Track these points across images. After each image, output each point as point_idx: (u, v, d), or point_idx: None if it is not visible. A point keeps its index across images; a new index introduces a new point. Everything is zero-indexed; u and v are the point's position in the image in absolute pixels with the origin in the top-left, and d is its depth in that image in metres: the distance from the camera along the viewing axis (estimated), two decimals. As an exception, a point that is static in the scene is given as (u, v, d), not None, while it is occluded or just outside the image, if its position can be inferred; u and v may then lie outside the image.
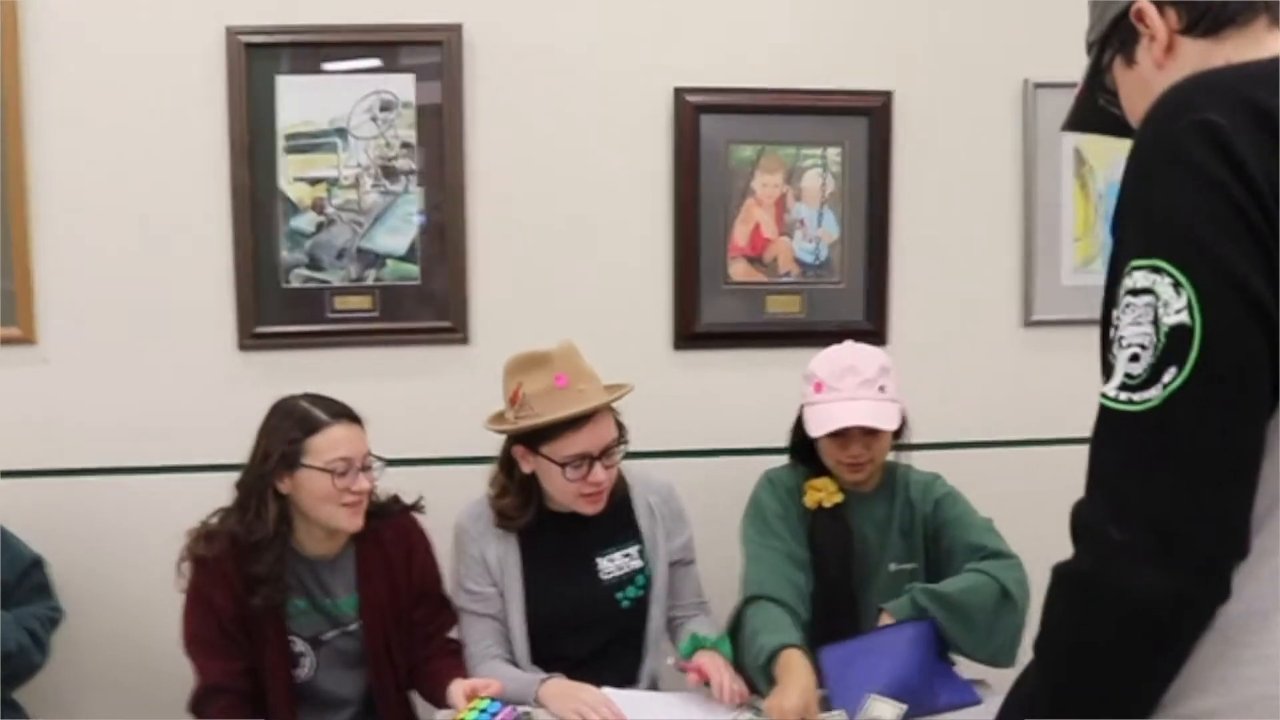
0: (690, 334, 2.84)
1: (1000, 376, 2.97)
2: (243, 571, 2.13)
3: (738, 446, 2.87)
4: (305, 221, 2.68)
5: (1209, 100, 1.03)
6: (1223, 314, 0.98)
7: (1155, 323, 1.00)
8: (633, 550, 2.38)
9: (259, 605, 2.12)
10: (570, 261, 2.79)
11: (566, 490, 2.24)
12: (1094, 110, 1.34)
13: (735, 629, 2.22)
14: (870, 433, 2.26)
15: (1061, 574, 1.08)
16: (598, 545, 2.36)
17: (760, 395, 2.87)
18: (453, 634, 2.31)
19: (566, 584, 2.33)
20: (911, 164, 2.88)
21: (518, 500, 2.30)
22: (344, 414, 2.20)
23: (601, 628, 2.35)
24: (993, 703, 2.10)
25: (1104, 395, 1.05)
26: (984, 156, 2.92)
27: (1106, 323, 1.09)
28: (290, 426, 2.15)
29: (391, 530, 2.28)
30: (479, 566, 2.32)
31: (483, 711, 1.99)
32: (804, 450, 2.39)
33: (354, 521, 2.16)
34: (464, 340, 2.76)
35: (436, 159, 2.69)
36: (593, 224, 2.79)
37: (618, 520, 2.37)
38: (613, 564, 2.36)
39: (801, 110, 2.82)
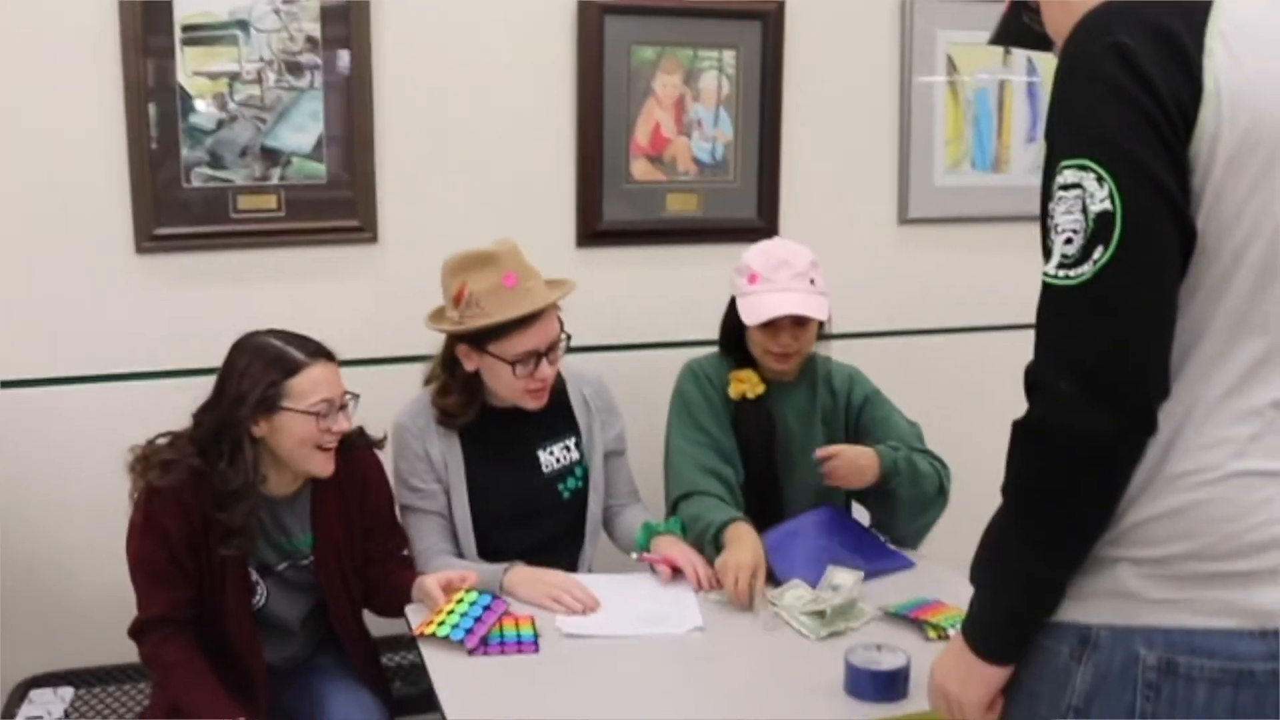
0: (593, 232, 2.89)
1: (877, 272, 3.15)
2: (203, 510, 2.06)
3: (639, 341, 2.96)
4: (205, 118, 2.57)
5: (1121, 24, 1.22)
6: (1137, 202, 1.18)
7: (1084, 211, 1.19)
8: (570, 443, 2.45)
9: (231, 554, 2.07)
10: (476, 160, 2.79)
11: (514, 387, 2.29)
12: (1018, 26, 1.51)
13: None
14: (799, 323, 2.39)
15: (1020, 427, 1.26)
16: (537, 439, 2.43)
17: (660, 291, 2.97)
18: (405, 551, 2.32)
19: (509, 478, 2.39)
20: (801, 68, 2.99)
21: (461, 398, 2.33)
22: (321, 352, 2.13)
23: (544, 520, 2.42)
24: (922, 565, 2.33)
25: (1045, 274, 1.24)
26: (866, 63, 3.07)
27: (1045, 215, 1.28)
28: (265, 368, 2.07)
29: (348, 467, 2.21)
30: (423, 463, 2.34)
31: (473, 604, 2.04)
32: (732, 341, 2.50)
33: (327, 466, 2.13)
34: (372, 239, 2.73)
35: (344, 54, 2.63)
36: (498, 123, 2.79)
37: (555, 414, 2.44)
38: (552, 456, 2.43)
39: (699, 13, 2.88)
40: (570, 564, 2.41)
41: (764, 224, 3.02)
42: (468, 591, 2.08)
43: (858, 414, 2.52)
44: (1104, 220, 1.18)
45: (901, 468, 2.31)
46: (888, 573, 2.26)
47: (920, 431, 2.52)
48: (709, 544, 2.25)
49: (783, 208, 3.04)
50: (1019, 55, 3.15)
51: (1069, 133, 1.23)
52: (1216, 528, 1.24)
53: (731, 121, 2.97)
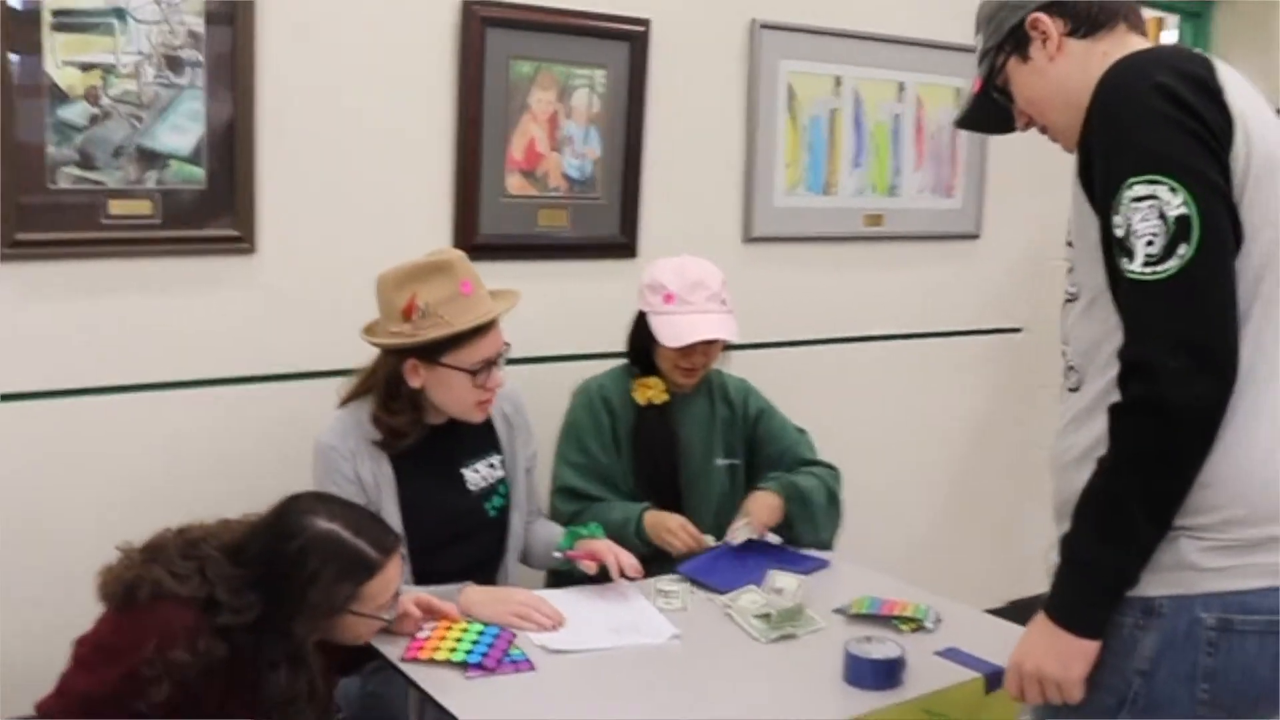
0: (470, 245, 2.84)
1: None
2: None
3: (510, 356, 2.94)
4: (76, 113, 2.34)
5: (1156, 70, 1.46)
6: (1208, 205, 1.39)
7: (1161, 217, 1.40)
8: (495, 460, 2.42)
9: None
10: (356, 170, 2.69)
11: (467, 399, 2.24)
12: (986, 104, 1.74)
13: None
14: (710, 342, 2.48)
15: (1127, 405, 1.43)
16: (463, 457, 2.38)
17: (533, 306, 2.95)
18: None
19: (440, 498, 2.33)
20: (663, 90, 3.08)
21: (411, 416, 2.25)
22: (394, 544, 1.95)
23: (473, 539, 2.38)
24: (835, 564, 2.47)
25: (1133, 272, 1.42)
26: (718, 88, 3.20)
27: (1107, 232, 1.46)
28: (340, 574, 1.85)
29: None
30: (354, 486, 2.24)
31: (483, 632, 1.98)
32: (639, 354, 2.56)
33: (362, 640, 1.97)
34: (250, 250, 2.57)
35: (227, 56, 2.47)
36: (379, 133, 2.71)
37: (478, 431, 2.40)
38: (478, 474, 2.39)
39: (574, 30, 2.91)
40: (493, 583, 2.37)
41: (626, 240, 3.09)
42: (470, 622, 2.02)
43: (753, 425, 2.65)
44: (1183, 223, 1.38)
45: (793, 494, 2.47)
46: (810, 572, 2.39)
47: (810, 439, 2.68)
48: (633, 537, 2.32)
49: (642, 226, 3.12)
50: (849, 84, 3.39)
51: (1134, 156, 1.43)
52: (1256, 493, 1.44)
53: (600, 139, 3.01)
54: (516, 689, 1.89)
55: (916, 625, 2.14)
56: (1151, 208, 1.39)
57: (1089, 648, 1.47)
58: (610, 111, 3.01)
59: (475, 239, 2.84)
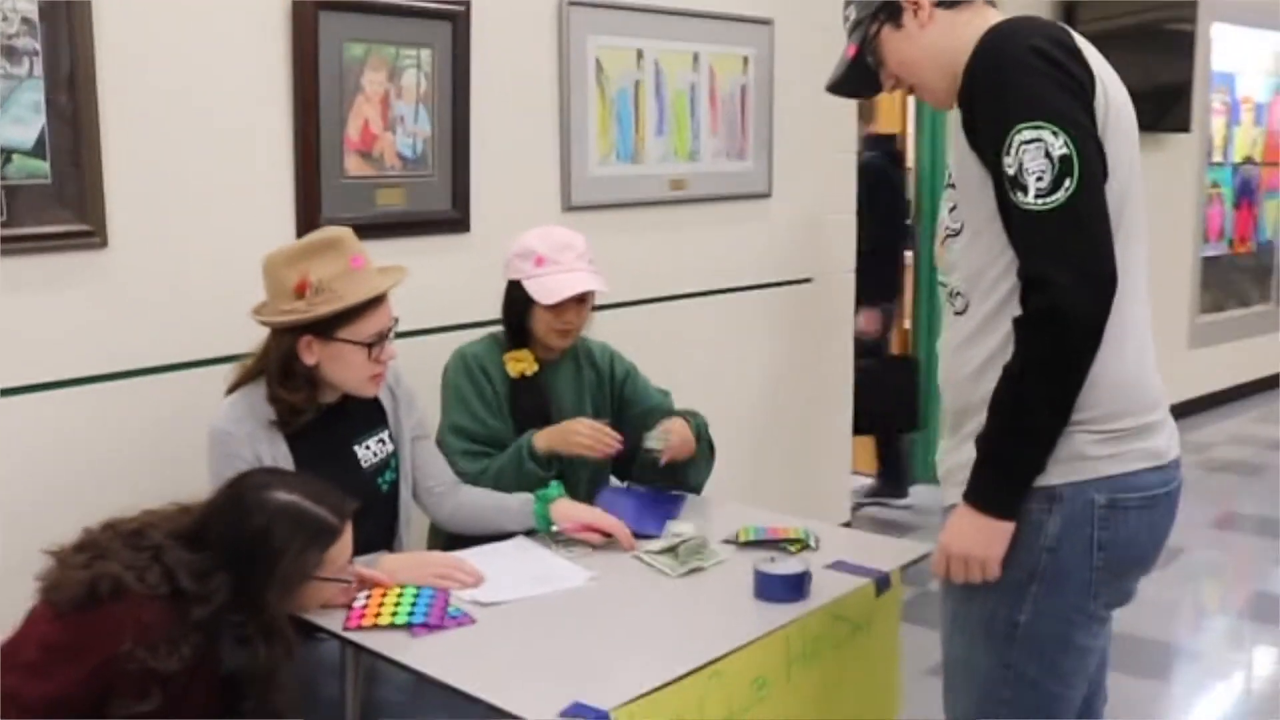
0: (314, 227, 2.85)
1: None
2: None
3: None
4: (-90, 109, 2.23)
5: (1029, 34, 1.73)
6: (1084, 146, 1.64)
7: (1047, 156, 1.64)
8: (384, 435, 2.48)
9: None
10: (200, 157, 2.65)
11: (360, 373, 2.30)
12: (858, 69, 1.97)
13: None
14: (581, 301, 2.63)
15: (1033, 315, 1.66)
16: (353, 434, 2.43)
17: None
18: None
19: (334, 477, 2.32)
20: (485, 68, 3.17)
21: (308, 393, 2.29)
22: (349, 509, 2.02)
23: (368, 515, 2.40)
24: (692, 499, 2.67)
25: (1027, 204, 1.66)
26: (534, 64, 3.32)
27: (997, 171, 1.69)
28: (307, 542, 1.91)
29: None
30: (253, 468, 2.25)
31: (418, 595, 2.05)
32: (514, 323, 2.67)
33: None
34: (102, 245, 2.51)
35: (65, 41, 2.39)
36: (220, 118, 2.68)
37: (366, 408, 2.45)
38: (369, 451, 2.44)
39: (401, 11, 2.96)
40: (391, 555, 2.44)
41: (458, 215, 3.17)
42: (404, 587, 2.09)
43: (621, 386, 2.81)
44: (1066, 161, 1.63)
45: (701, 435, 2.66)
46: (683, 507, 2.61)
47: (671, 398, 2.86)
48: (527, 462, 2.49)
49: (472, 200, 3.20)
50: (650, 57, 3.57)
51: (1020, 105, 1.66)
52: (1136, 389, 1.75)
53: (430, 118, 3.08)
54: (465, 642, 1.98)
55: (802, 545, 2.36)
56: (1038, 148, 1.63)
57: (1006, 529, 1.72)
58: (437, 90, 3.08)
59: (318, 221, 2.86)
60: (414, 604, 2.04)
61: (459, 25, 3.09)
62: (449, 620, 2.03)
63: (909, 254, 5.35)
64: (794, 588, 2.12)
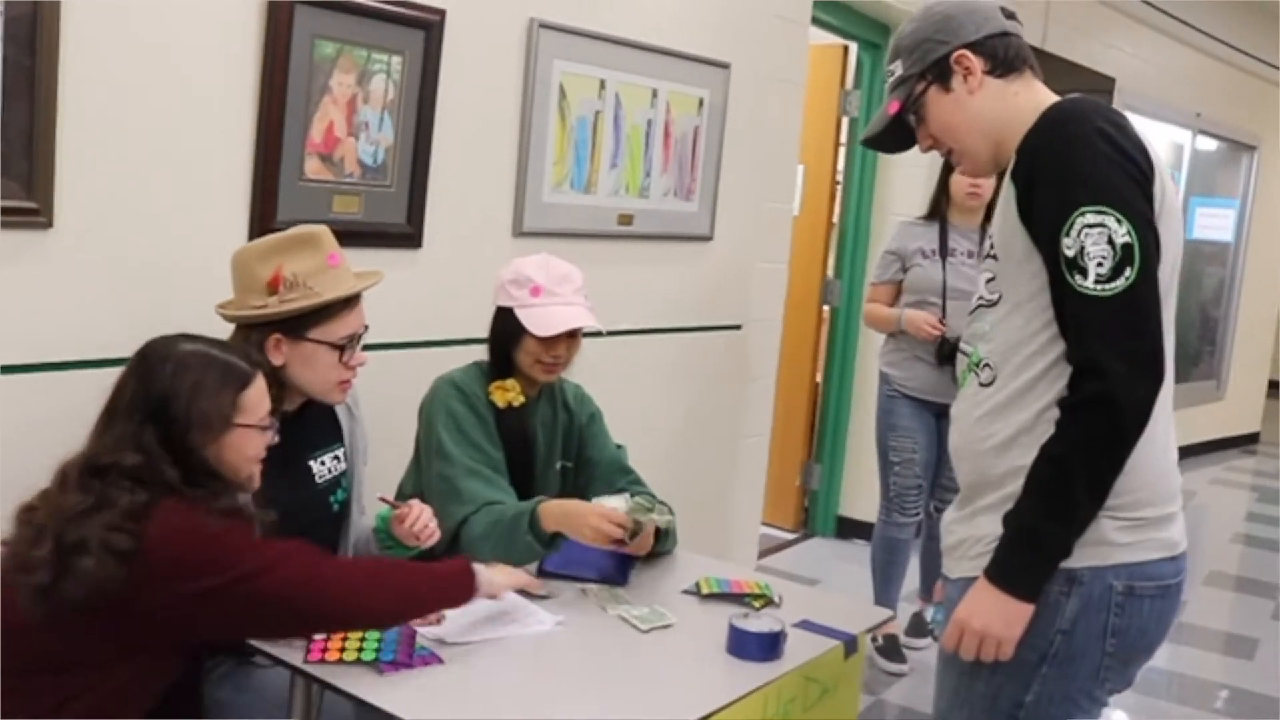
0: (267, 228, 2.71)
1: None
2: None
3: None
4: None
5: (1094, 116, 1.74)
6: (1145, 236, 1.67)
7: (1110, 242, 1.66)
8: (339, 452, 2.37)
9: None
10: (157, 145, 2.50)
11: (329, 377, 2.20)
12: (899, 127, 1.95)
13: (463, 534, 2.38)
14: (572, 336, 2.55)
15: (1082, 401, 1.67)
16: (308, 448, 2.32)
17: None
18: None
19: (287, 490, 2.24)
20: (452, 81, 3.08)
21: (275, 393, 2.15)
22: (259, 364, 2.00)
23: (317, 533, 2.28)
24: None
25: (1086, 288, 1.67)
26: (500, 84, 3.24)
27: (1053, 250, 1.70)
28: (220, 383, 1.87)
29: None
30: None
31: (383, 633, 1.94)
32: (501, 351, 2.58)
33: (257, 481, 1.97)
34: (47, 224, 2.33)
35: (27, 17, 2.23)
36: (182, 107, 2.53)
37: (324, 421, 2.34)
38: (324, 467, 2.34)
39: (376, 14, 2.86)
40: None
41: (412, 230, 3.06)
42: None
43: (583, 429, 2.73)
44: (1128, 249, 1.65)
45: (670, 530, 2.57)
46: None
47: (626, 454, 2.79)
48: (530, 531, 2.32)
49: (427, 216, 3.10)
50: (611, 88, 3.53)
51: (1084, 188, 1.68)
52: (1156, 479, 1.76)
53: (394, 127, 2.97)
54: (436, 682, 1.89)
55: (766, 600, 2.33)
56: (1101, 234, 1.65)
57: (1028, 610, 1.71)
58: (405, 99, 2.98)
59: (273, 222, 2.72)
60: (380, 640, 1.93)
61: (432, 34, 2.99)
62: (416, 659, 1.93)
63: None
64: (770, 647, 2.08)
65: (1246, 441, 9.07)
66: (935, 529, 4.15)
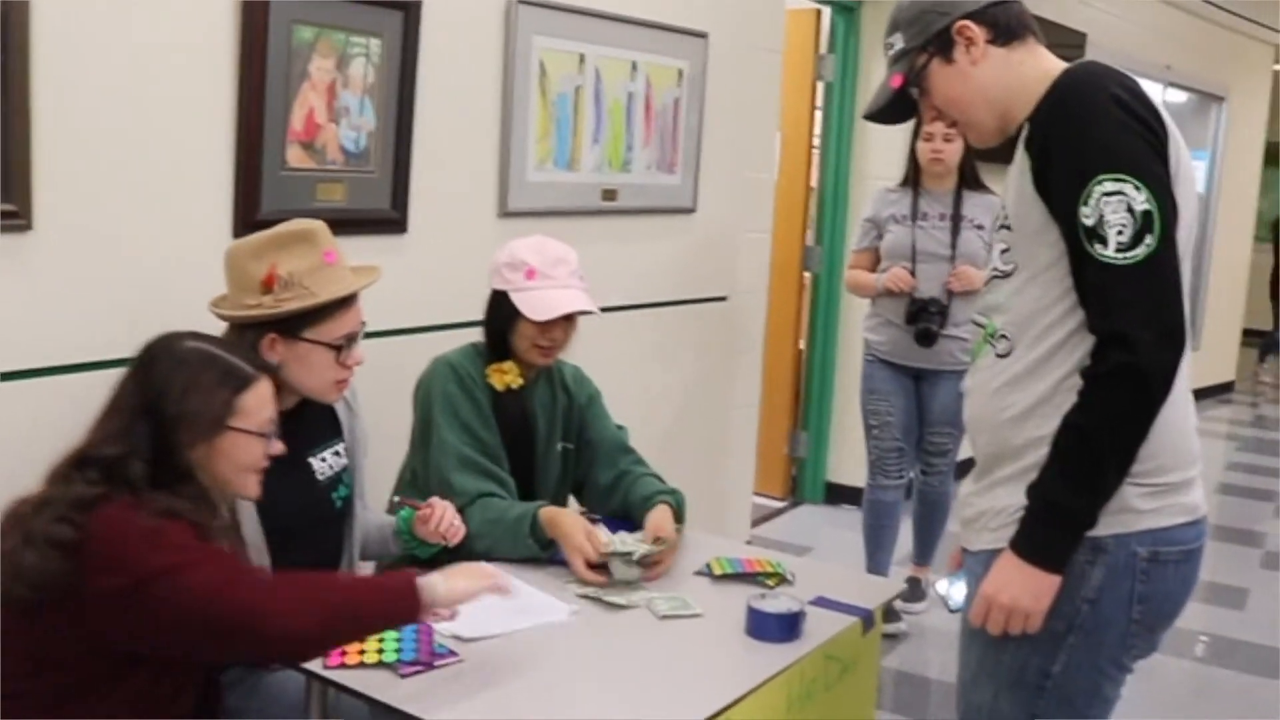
0: (251, 221, 2.66)
1: (482, 262, 3.28)
2: None
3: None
4: None
5: (1108, 83, 1.71)
6: (1164, 202, 1.64)
7: (1129, 210, 1.63)
8: (339, 448, 2.33)
9: None
10: (135, 138, 2.43)
11: (326, 377, 2.15)
12: (902, 99, 1.91)
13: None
14: (568, 319, 2.51)
15: (1109, 371, 1.64)
16: (309, 445, 2.28)
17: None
18: None
19: (290, 489, 2.20)
20: (431, 63, 3.01)
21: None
22: (265, 368, 1.92)
23: (320, 532, 2.29)
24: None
25: (1106, 256, 1.64)
26: (479, 63, 3.18)
27: (1071, 220, 1.67)
28: (216, 382, 1.81)
29: None
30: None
31: (401, 633, 1.91)
32: (497, 334, 2.54)
33: (258, 489, 1.91)
34: (26, 227, 2.27)
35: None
36: (159, 100, 2.46)
37: (322, 417, 2.30)
38: (325, 464, 2.30)
39: (351, -4, 2.80)
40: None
41: (397, 216, 3.01)
42: None
43: (583, 411, 2.69)
44: (1148, 217, 1.62)
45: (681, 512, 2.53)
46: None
47: (628, 435, 2.75)
48: (528, 535, 2.29)
49: (411, 200, 3.04)
50: (590, 63, 3.47)
51: (1101, 156, 1.65)
52: (1177, 444, 1.74)
53: (374, 111, 2.91)
54: (457, 681, 1.86)
55: (780, 579, 2.31)
56: (1120, 201, 1.62)
57: (1055, 581, 1.70)
58: (384, 83, 2.91)
59: (256, 214, 2.66)
60: (399, 640, 1.90)
61: (410, 15, 2.93)
62: (436, 657, 1.90)
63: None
64: (790, 628, 2.07)
65: (1221, 391, 9.16)
66: (926, 495, 4.17)
